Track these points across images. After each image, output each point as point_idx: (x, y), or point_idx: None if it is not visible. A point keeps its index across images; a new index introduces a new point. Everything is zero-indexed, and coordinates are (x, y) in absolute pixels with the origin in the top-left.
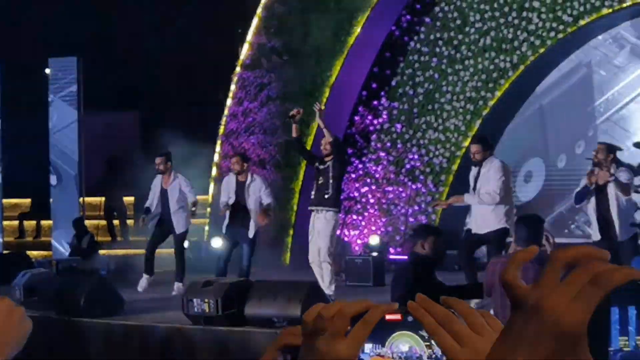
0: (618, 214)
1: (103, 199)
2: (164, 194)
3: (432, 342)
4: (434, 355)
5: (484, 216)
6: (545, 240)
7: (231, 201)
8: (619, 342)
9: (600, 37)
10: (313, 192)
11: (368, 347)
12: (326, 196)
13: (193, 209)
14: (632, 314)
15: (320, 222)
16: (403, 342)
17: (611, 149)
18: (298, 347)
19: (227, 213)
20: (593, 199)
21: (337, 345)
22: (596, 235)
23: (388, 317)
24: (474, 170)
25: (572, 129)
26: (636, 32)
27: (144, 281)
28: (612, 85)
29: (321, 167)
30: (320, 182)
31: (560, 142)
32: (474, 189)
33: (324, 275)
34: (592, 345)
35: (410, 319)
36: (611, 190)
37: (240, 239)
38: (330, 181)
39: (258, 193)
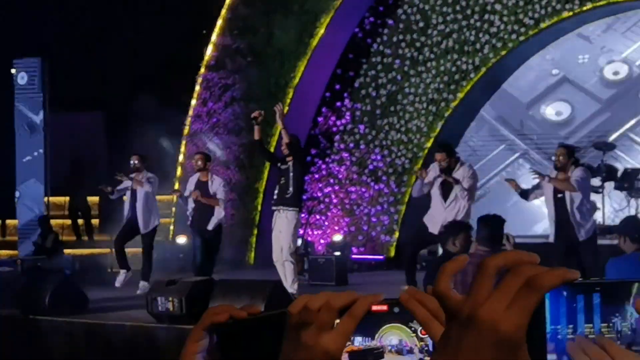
0: (578, 215)
1: (68, 198)
2: (133, 193)
3: (420, 334)
4: (425, 348)
5: (447, 218)
6: (506, 239)
7: (190, 199)
8: (585, 329)
9: None
10: (275, 192)
11: (358, 340)
12: (287, 196)
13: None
14: (596, 302)
15: (282, 221)
16: (393, 334)
17: (571, 151)
18: (224, 325)
19: (191, 211)
20: (552, 205)
21: (324, 338)
22: (552, 238)
23: (374, 308)
24: (436, 174)
25: None
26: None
27: (121, 276)
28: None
29: (283, 167)
30: (282, 182)
31: None
32: (443, 194)
33: (286, 273)
34: (531, 349)
35: (396, 310)
36: (568, 193)
37: (202, 235)
38: (291, 181)
39: (216, 190)
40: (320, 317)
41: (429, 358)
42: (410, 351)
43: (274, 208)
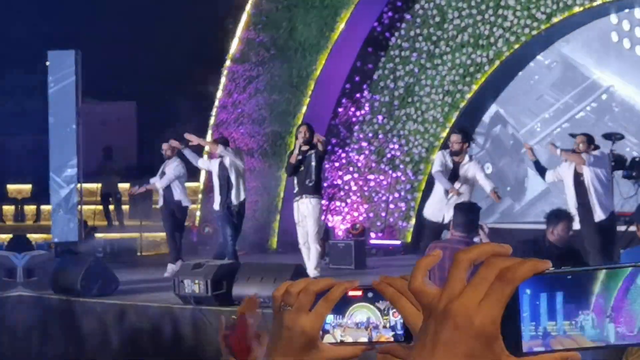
0: (595, 197)
1: (100, 185)
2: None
3: (388, 313)
4: (389, 325)
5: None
6: (480, 228)
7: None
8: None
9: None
10: (295, 183)
11: (330, 318)
12: (310, 184)
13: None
14: (559, 300)
15: (307, 208)
16: (361, 313)
17: (591, 140)
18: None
19: (217, 194)
20: (572, 190)
21: (301, 320)
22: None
23: (350, 293)
24: (447, 158)
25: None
26: None
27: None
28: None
29: (303, 157)
30: (302, 171)
31: None
32: (452, 178)
33: (311, 257)
34: (506, 340)
35: (370, 295)
36: (587, 177)
37: (224, 218)
38: (313, 170)
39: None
40: (300, 300)
41: (392, 333)
42: (376, 327)
43: (296, 198)
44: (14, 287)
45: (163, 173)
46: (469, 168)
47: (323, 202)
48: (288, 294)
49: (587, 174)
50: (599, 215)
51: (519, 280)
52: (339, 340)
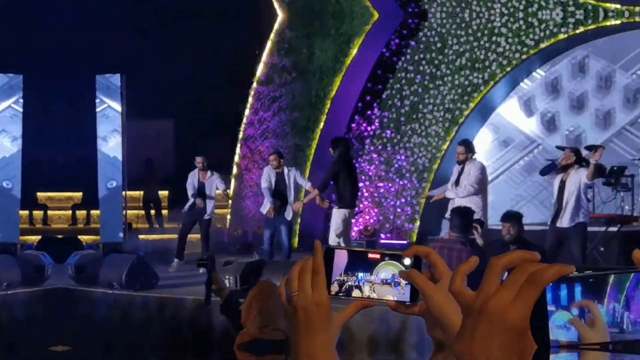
0: (571, 204)
1: (142, 192)
2: (201, 186)
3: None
4: (409, 283)
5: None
6: (474, 229)
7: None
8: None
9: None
10: (333, 195)
11: (360, 275)
12: (340, 197)
13: (227, 192)
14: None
15: (339, 216)
16: (387, 270)
17: (577, 153)
18: None
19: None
20: (556, 190)
21: (310, 296)
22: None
23: (370, 255)
24: (458, 168)
25: None
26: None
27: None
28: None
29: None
30: (338, 187)
31: None
32: (456, 183)
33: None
34: (534, 334)
35: (387, 259)
36: (568, 183)
37: (280, 222)
38: (343, 186)
39: (294, 180)
40: (302, 281)
41: (409, 287)
42: (398, 282)
43: (333, 207)
44: (63, 281)
45: (202, 184)
46: (472, 167)
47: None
48: (289, 281)
49: (569, 185)
50: (562, 222)
51: (546, 283)
52: (367, 295)
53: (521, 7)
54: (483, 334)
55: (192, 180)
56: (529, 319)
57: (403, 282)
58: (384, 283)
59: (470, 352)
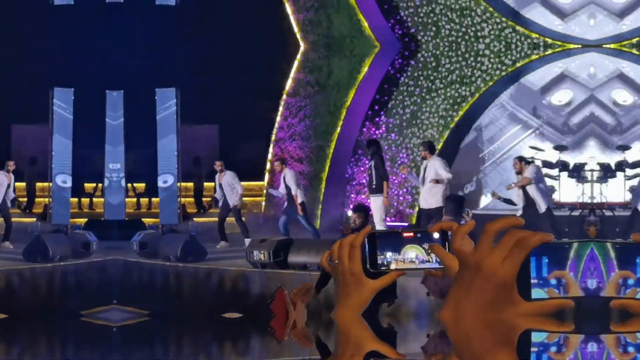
0: (540, 195)
1: (192, 183)
2: (221, 185)
3: (430, 252)
4: (432, 259)
5: (427, 197)
6: (465, 213)
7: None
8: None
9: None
10: (366, 184)
11: (389, 255)
12: (373, 187)
13: (240, 201)
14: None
15: (373, 205)
16: (412, 251)
17: (521, 159)
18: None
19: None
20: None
21: (348, 265)
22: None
23: (405, 234)
24: (423, 164)
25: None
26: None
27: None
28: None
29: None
30: (369, 177)
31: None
32: (423, 177)
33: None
34: (519, 290)
35: (419, 235)
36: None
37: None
38: (374, 176)
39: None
40: (341, 253)
41: (429, 265)
42: (422, 261)
43: (368, 196)
44: (130, 254)
45: (219, 185)
46: (433, 164)
47: (352, 195)
48: (332, 252)
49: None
50: (540, 208)
51: (532, 247)
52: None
53: (502, 36)
54: (477, 287)
55: (215, 180)
56: (516, 276)
57: (425, 260)
58: (409, 261)
59: (466, 298)
